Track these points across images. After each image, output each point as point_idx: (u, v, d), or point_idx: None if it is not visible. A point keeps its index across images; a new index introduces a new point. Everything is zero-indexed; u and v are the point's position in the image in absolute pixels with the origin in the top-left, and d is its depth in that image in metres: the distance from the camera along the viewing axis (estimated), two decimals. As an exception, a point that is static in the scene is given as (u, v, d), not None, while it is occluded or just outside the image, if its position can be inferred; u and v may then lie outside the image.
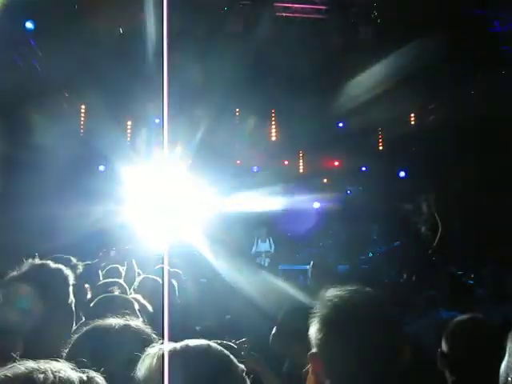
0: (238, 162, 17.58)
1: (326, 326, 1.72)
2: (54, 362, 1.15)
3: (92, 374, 1.19)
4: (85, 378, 1.14)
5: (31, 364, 1.12)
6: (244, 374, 1.48)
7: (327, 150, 17.84)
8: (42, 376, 1.08)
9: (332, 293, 1.83)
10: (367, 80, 13.00)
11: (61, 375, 1.10)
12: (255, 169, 17.37)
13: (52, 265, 2.77)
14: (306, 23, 10.95)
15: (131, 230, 10.61)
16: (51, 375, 1.09)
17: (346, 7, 10.47)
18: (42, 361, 1.14)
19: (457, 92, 13.96)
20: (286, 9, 10.64)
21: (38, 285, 2.52)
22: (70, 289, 2.76)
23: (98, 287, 4.52)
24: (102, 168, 15.28)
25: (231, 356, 1.51)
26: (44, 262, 2.78)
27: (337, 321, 1.72)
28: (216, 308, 6.19)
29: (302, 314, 1.87)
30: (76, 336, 1.91)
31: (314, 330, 1.76)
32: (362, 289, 1.87)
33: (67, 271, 2.81)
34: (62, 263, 2.90)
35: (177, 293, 5.20)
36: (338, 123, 15.91)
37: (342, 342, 1.68)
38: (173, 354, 1.45)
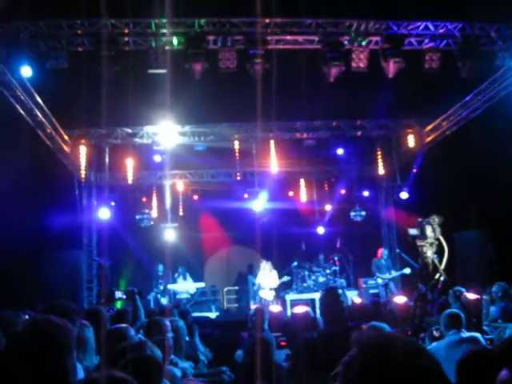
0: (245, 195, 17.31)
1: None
2: None
3: None
4: None
5: None
6: None
7: (329, 177, 17.98)
8: None
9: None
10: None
11: None
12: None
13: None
14: (299, 54, 11.08)
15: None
16: None
17: (338, 35, 10.57)
18: None
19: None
20: (278, 42, 10.77)
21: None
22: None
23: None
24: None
25: None
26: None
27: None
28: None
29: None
30: None
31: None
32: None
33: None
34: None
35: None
36: (335, 150, 16.01)
37: None
38: None
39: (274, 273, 14.93)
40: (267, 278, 14.81)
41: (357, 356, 1.48)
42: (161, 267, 15.64)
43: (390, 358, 1.42)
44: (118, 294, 13.32)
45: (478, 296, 8.40)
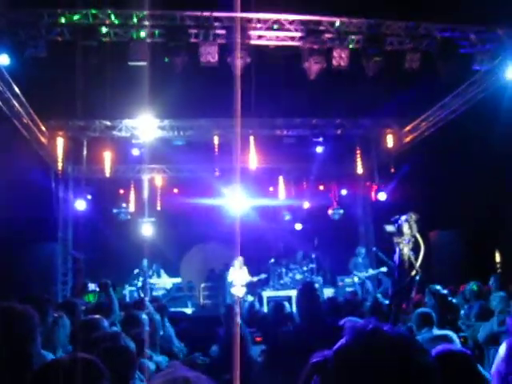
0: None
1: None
2: None
3: None
4: None
5: None
6: None
7: (308, 175, 17.99)
8: None
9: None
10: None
11: None
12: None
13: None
14: (281, 51, 11.05)
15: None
16: None
17: (320, 32, 10.58)
18: None
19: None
20: (260, 37, 10.73)
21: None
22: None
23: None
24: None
25: None
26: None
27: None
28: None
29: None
30: None
31: None
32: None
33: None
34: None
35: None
36: (315, 148, 16.01)
37: None
38: None
39: (245, 269, 14.79)
40: (237, 274, 14.64)
41: (353, 342, 1.46)
42: (145, 262, 15.45)
43: (388, 343, 1.41)
44: (91, 286, 13.18)
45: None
